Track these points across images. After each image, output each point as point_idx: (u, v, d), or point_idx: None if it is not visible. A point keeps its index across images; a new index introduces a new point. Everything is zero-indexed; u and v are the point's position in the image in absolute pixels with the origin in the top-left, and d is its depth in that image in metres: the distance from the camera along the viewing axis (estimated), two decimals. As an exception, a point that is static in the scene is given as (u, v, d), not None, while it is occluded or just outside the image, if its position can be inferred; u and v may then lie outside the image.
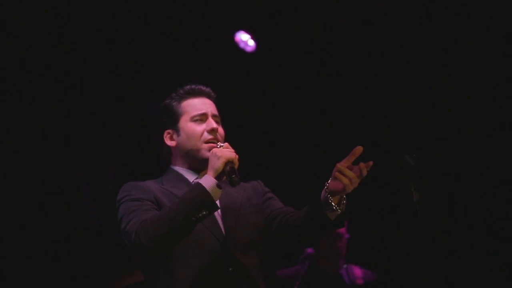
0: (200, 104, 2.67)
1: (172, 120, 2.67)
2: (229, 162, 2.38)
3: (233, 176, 2.34)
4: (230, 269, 2.43)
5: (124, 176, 4.56)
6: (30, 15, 4.32)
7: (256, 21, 4.86)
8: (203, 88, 2.72)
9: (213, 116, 2.66)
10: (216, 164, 2.38)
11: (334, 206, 2.34)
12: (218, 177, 2.37)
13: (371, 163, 2.29)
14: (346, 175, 2.27)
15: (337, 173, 2.28)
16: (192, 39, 4.77)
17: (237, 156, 2.43)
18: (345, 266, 4.28)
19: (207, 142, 2.60)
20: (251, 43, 4.91)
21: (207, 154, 2.53)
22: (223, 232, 2.49)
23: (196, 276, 2.42)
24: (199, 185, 2.37)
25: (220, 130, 2.65)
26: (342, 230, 4.24)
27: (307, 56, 4.95)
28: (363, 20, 4.73)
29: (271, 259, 2.80)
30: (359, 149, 2.29)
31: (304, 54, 4.94)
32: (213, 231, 2.47)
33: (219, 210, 2.50)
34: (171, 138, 2.68)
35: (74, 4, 4.41)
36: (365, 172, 2.28)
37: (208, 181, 2.37)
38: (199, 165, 2.60)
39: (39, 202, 4.41)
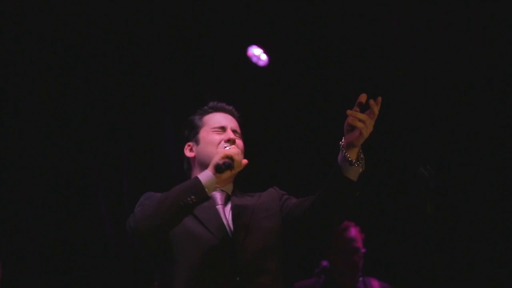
0: (221, 118, 2.73)
1: (193, 132, 2.72)
2: (227, 157, 2.40)
3: (223, 166, 2.37)
4: (238, 278, 2.41)
5: (139, 185, 4.64)
6: (46, 28, 4.39)
7: (269, 35, 4.87)
8: (226, 106, 2.78)
9: (233, 130, 2.69)
10: (215, 159, 2.41)
11: (354, 161, 2.29)
12: (216, 170, 2.39)
13: (380, 98, 2.27)
14: (360, 117, 2.25)
15: (350, 119, 2.26)
16: (205, 54, 4.80)
17: (241, 158, 2.48)
18: (361, 279, 4.25)
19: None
20: (264, 57, 4.93)
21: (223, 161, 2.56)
22: (232, 241, 2.47)
23: (202, 286, 2.43)
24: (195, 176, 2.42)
25: (239, 142, 2.67)
26: (359, 244, 4.23)
27: (320, 70, 4.95)
28: (376, 33, 4.74)
29: (289, 271, 2.79)
30: (363, 96, 2.27)
31: (318, 67, 4.93)
32: (221, 240, 2.47)
33: (229, 219, 2.51)
34: (191, 150, 2.71)
35: (93, 14, 4.46)
36: (376, 110, 2.26)
37: (204, 173, 2.41)
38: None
39: (53, 214, 4.45)
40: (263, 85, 4.96)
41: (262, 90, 4.93)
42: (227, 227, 2.50)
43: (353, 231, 4.21)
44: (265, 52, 4.91)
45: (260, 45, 4.91)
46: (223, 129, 2.68)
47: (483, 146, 4.68)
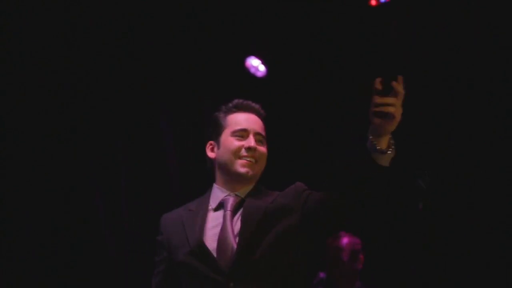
0: (244, 120, 2.64)
1: (216, 132, 2.65)
2: None
3: None
4: (232, 284, 2.36)
5: (137, 185, 4.65)
6: (44, 27, 4.40)
7: (267, 46, 4.85)
8: (252, 104, 2.71)
9: (255, 134, 2.63)
10: None
11: (385, 149, 2.19)
12: None
13: (401, 77, 2.15)
14: (389, 102, 2.14)
15: (376, 108, 2.14)
16: (203, 65, 4.80)
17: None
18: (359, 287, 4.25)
19: (242, 158, 2.57)
20: (262, 68, 4.92)
21: (240, 169, 2.53)
22: (235, 248, 2.40)
23: None
24: None
25: (261, 149, 2.61)
26: (356, 254, 4.21)
27: (319, 80, 4.92)
28: (375, 41, 4.72)
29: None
30: (377, 81, 2.15)
31: (316, 78, 4.91)
32: (223, 247, 2.42)
33: (236, 226, 2.46)
34: (212, 150, 2.66)
35: (93, 15, 4.47)
36: (401, 89, 2.15)
37: None
38: (232, 179, 2.58)
39: (50, 214, 4.46)
40: (261, 96, 4.95)
41: (260, 101, 4.93)
42: (230, 234, 2.43)
43: (350, 240, 4.20)
44: (263, 63, 4.92)
45: (258, 56, 4.92)
46: (245, 132, 2.61)
47: (483, 149, 4.67)
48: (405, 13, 4.69)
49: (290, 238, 2.44)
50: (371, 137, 2.21)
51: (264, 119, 2.71)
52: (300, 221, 2.45)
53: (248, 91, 4.88)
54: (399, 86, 2.15)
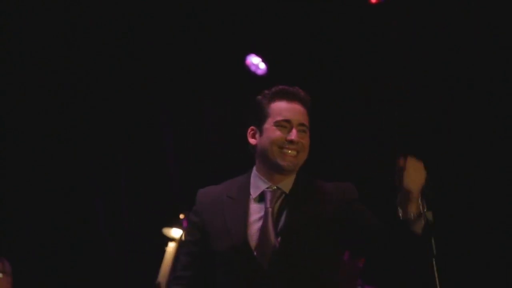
0: (287, 110, 2.58)
1: (259, 119, 2.60)
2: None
3: None
4: (268, 283, 2.35)
5: (136, 185, 4.64)
6: (45, 27, 4.40)
7: (267, 44, 4.84)
8: (296, 92, 2.64)
9: (299, 125, 2.57)
10: None
11: (411, 218, 2.27)
12: None
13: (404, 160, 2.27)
14: (400, 174, 2.24)
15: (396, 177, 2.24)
16: (203, 62, 4.79)
17: None
18: (360, 288, 4.24)
19: (283, 149, 2.53)
20: (262, 66, 4.91)
21: (280, 162, 2.50)
22: (276, 249, 2.40)
23: None
24: None
25: (303, 141, 2.57)
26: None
27: (319, 78, 4.91)
28: (375, 39, 4.72)
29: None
30: (400, 161, 2.26)
31: (316, 76, 4.90)
32: (259, 254, 2.41)
33: (280, 224, 2.45)
34: (253, 136, 2.61)
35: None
36: (403, 165, 2.25)
37: None
38: (272, 169, 2.54)
39: (53, 220, 4.45)
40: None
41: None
42: (271, 234, 2.42)
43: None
44: (264, 60, 4.91)
45: (259, 54, 4.91)
46: (288, 123, 2.54)
47: (483, 149, 4.66)
48: (405, 12, 4.69)
49: (329, 244, 2.44)
50: (398, 206, 2.29)
51: (309, 106, 2.65)
52: (337, 232, 2.45)
53: (249, 89, 4.93)
54: (402, 163, 2.26)
